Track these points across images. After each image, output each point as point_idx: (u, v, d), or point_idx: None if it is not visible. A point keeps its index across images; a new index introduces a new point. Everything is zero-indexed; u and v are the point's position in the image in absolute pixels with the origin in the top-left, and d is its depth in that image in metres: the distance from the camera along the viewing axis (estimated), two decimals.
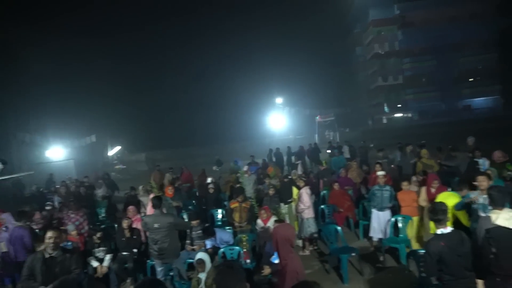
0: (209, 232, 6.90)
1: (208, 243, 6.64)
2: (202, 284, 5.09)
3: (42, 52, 24.75)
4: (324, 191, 9.72)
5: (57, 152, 24.52)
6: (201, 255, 5.31)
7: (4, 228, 7.00)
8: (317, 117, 32.33)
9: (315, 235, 7.47)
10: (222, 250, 6.02)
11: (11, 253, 6.86)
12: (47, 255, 4.36)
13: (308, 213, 7.36)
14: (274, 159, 17.15)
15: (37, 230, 7.68)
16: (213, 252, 6.35)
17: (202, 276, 5.10)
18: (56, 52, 25.69)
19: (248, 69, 37.22)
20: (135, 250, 6.59)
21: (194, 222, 6.70)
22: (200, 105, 34.98)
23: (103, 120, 30.11)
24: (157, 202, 5.89)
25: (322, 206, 8.52)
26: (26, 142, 23.10)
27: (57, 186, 13.19)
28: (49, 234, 4.38)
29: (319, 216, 8.30)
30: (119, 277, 6.44)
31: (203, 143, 32.03)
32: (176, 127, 33.92)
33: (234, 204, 7.52)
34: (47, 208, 9.45)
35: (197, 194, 11.76)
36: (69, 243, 6.70)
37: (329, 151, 16.97)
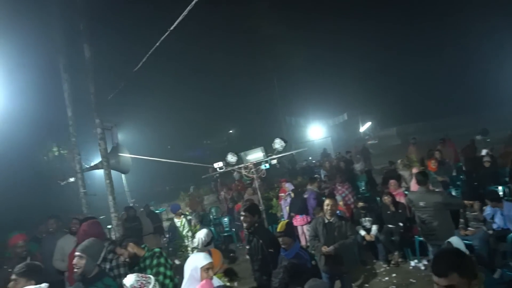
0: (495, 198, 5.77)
1: (489, 212, 5.56)
2: None
3: (302, 44, 28.02)
4: None
5: (316, 131, 27.62)
6: (453, 239, 4.51)
7: (287, 194, 8.53)
8: None
9: None
10: None
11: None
12: (326, 220, 4.93)
13: None
14: None
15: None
16: (496, 236, 5.38)
17: None
18: (312, 43, 28.42)
19: None
20: (401, 224, 6.49)
21: (468, 203, 5.84)
22: (460, 68, 30.03)
23: (354, 99, 31.27)
24: (422, 178, 5.45)
25: None
26: (292, 124, 27.19)
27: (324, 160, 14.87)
28: (327, 201, 4.93)
29: None
30: (386, 248, 6.55)
31: (463, 111, 27.73)
32: (430, 96, 30.68)
33: None
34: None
35: (464, 168, 10.36)
36: (338, 212, 7.38)
37: None
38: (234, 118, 33.35)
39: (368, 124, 32.31)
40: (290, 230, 3.79)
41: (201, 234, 5.71)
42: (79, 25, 6.15)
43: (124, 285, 2.79)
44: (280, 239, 3.73)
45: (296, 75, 29.27)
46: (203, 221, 10.21)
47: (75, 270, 3.27)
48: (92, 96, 6.23)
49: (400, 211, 6.62)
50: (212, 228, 9.46)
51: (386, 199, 6.74)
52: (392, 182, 7.50)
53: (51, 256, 5.48)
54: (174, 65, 22.01)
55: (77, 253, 3.29)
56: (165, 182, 21.99)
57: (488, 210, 5.65)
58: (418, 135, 18.46)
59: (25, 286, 3.09)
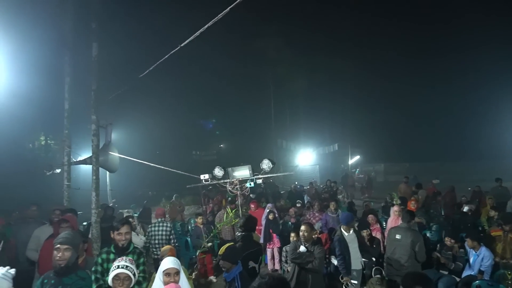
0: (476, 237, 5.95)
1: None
2: None
3: (303, 71, 28.62)
4: None
5: (305, 157, 27.84)
6: None
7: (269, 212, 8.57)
8: None
9: None
10: (477, 283, 5.16)
11: None
12: (301, 246, 5.02)
13: None
14: None
15: (289, 223, 9.06)
16: (464, 282, 5.52)
17: None
18: (309, 68, 29.01)
19: None
20: (373, 259, 6.62)
21: (449, 241, 6.06)
22: (457, 115, 30.85)
23: (346, 130, 31.82)
24: (407, 216, 5.92)
25: None
26: (283, 147, 27.35)
27: (305, 187, 15.00)
28: (303, 227, 5.05)
29: None
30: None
31: (456, 157, 28.72)
32: (425, 139, 31.45)
33: (496, 232, 6.32)
34: (297, 205, 10.87)
35: (443, 214, 10.70)
36: None
37: None
38: (226, 133, 33.59)
39: (357, 157, 32.73)
40: (231, 254, 3.82)
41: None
42: (91, 24, 6.34)
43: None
44: (220, 262, 3.81)
45: (293, 100, 29.92)
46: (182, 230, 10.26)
47: (60, 262, 3.15)
48: (92, 93, 6.34)
49: (374, 246, 6.77)
50: (189, 239, 9.45)
51: (365, 232, 6.86)
52: (371, 216, 7.70)
53: (24, 244, 5.36)
54: (176, 76, 22.34)
55: (64, 246, 3.20)
56: (149, 187, 21.84)
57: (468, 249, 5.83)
58: (402, 175, 18.81)
59: None
